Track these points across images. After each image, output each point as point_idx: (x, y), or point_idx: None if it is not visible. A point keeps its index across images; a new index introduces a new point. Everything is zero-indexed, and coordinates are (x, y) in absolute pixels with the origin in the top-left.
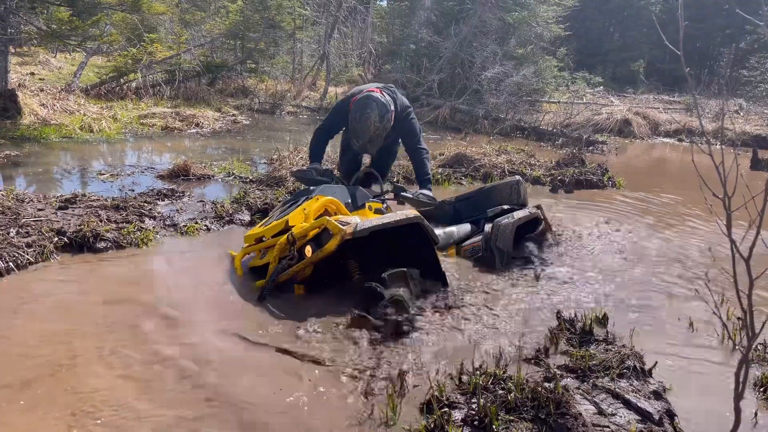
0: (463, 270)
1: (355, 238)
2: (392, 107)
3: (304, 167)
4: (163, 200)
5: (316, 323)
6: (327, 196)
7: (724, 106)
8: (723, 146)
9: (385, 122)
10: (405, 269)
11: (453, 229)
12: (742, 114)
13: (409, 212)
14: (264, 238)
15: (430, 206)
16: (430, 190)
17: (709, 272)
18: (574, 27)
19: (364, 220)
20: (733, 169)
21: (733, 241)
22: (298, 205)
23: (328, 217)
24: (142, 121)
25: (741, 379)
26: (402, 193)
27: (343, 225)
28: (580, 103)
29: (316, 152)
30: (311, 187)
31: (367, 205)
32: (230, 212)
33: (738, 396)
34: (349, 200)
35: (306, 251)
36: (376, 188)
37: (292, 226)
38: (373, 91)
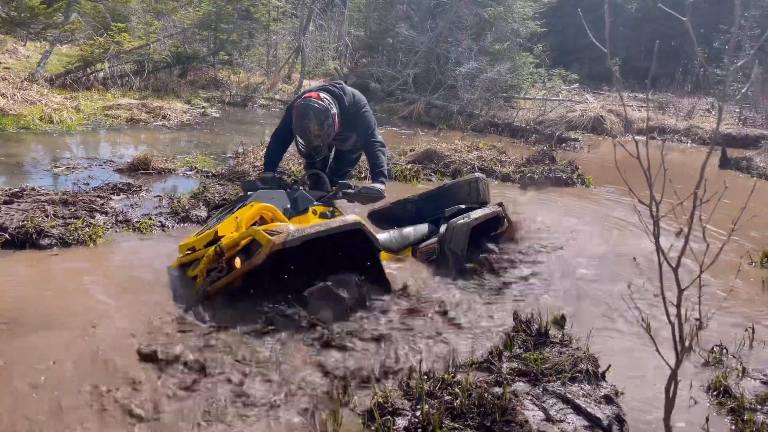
0: (416, 273)
1: (287, 248)
2: (334, 109)
3: (252, 178)
4: (118, 195)
5: (249, 326)
6: (262, 203)
7: (690, 104)
8: (690, 144)
9: (326, 128)
10: (329, 284)
11: (409, 230)
12: (713, 113)
13: (349, 218)
14: (196, 248)
15: (376, 200)
16: (383, 183)
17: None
18: (550, 24)
19: (301, 227)
20: (700, 166)
21: (660, 249)
22: (232, 213)
23: (256, 227)
24: (106, 112)
25: (671, 395)
26: (344, 190)
27: (273, 235)
28: (554, 100)
29: (270, 161)
30: (248, 193)
31: (311, 209)
32: (186, 208)
33: (668, 409)
34: (289, 205)
35: (235, 262)
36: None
37: (222, 236)
38: (310, 96)
